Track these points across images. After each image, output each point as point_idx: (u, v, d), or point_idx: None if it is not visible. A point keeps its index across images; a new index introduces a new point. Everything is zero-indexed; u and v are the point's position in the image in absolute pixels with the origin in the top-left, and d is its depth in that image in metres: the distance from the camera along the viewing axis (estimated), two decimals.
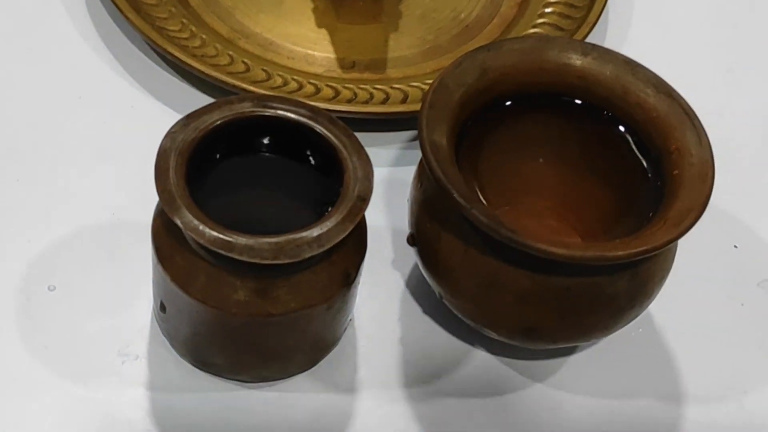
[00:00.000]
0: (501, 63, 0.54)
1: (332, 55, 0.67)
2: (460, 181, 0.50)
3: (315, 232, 0.48)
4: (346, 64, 0.67)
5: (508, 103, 0.55)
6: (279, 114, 0.51)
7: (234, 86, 0.62)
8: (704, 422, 0.56)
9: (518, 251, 0.49)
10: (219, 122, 0.51)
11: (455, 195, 0.49)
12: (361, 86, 0.65)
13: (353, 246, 0.51)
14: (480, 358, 0.57)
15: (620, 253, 0.48)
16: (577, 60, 0.55)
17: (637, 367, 0.57)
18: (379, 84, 0.65)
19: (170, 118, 0.62)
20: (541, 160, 0.57)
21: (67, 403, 0.53)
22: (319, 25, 0.68)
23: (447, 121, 0.52)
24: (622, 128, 0.55)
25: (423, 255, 0.54)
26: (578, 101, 0.56)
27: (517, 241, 0.48)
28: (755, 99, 0.70)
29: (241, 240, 0.47)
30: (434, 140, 0.51)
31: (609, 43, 0.70)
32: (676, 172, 0.52)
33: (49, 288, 0.56)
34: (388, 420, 0.54)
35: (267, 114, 0.51)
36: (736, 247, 0.62)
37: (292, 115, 0.51)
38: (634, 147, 0.55)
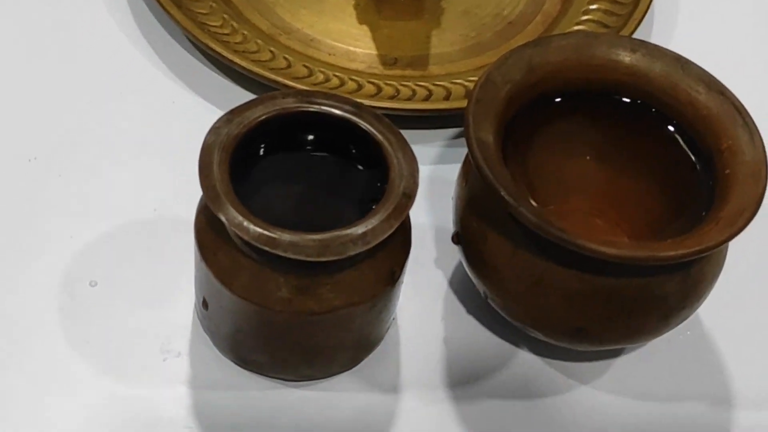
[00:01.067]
0: (548, 59, 0.53)
1: (374, 52, 0.67)
2: (507, 179, 0.49)
3: (360, 229, 0.47)
4: (387, 60, 0.66)
5: (557, 99, 0.54)
6: (323, 110, 0.51)
7: (275, 82, 0.62)
8: (754, 427, 0.55)
9: (567, 251, 0.48)
10: (263, 117, 0.50)
11: (503, 194, 0.48)
12: (404, 83, 0.64)
13: (398, 244, 0.51)
14: (524, 359, 0.56)
15: (672, 253, 0.47)
16: (625, 57, 0.54)
17: (684, 370, 0.56)
18: (421, 81, 0.64)
19: (211, 113, 0.62)
20: (587, 158, 0.56)
21: (108, 399, 0.52)
22: (361, 22, 0.68)
23: (494, 117, 0.51)
24: (671, 127, 0.54)
25: (468, 254, 0.53)
26: (626, 99, 0.55)
27: (568, 241, 0.47)
28: None
29: (286, 237, 0.47)
30: (481, 137, 0.50)
31: (655, 40, 0.69)
32: (727, 171, 0.51)
33: (90, 284, 0.56)
34: (431, 420, 0.54)
35: (311, 110, 0.51)
36: None
37: (337, 111, 0.51)
38: (684, 145, 0.53)
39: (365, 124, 0.50)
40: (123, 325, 0.55)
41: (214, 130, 0.50)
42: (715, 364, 0.57)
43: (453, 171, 0.56)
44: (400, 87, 0.64)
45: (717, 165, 0.51)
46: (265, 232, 0.47)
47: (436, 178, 0.62)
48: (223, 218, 0.47)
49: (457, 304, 0.57)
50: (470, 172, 0.52)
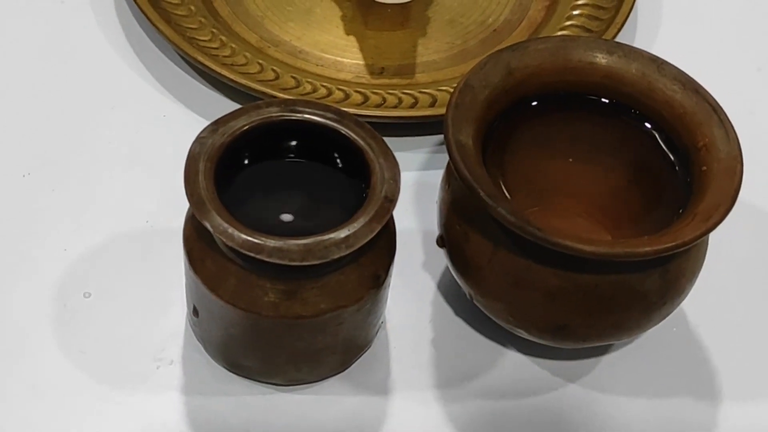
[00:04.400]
0: (526, 63, 0.54)
1: (361, 62, 0.68)
2: (486, 179, 0.50)
3: (343, 233, 0.48)
4: (374, 70, 0.67)
5: (534, 103, 0.55)
6: (306, 118, 0.52)
7: (264, 93, 0.63)
8: (740, 421, 0.56)
9: (546, 249, 0.49)
10: (247, 127, 0.51)
11: (481, 194, 0.49)
12: (390, 91, 0.65)
13: (382, 248, 0.52)
14: (512, 359, 0.57)
15: (648, 249, 0.48)
16: (602, 59, 0.55)
17: (671, 366, 0.57)
18: (407, 89, 0.65)
19: (201, 125, 0.62)
20: (569, 159, 0.57)
21: (103, 407, 0.53)
22: (348, 33, 0.69)
23: (473, 121, 0.52)
24: (649, 126, 0.55)
25: (452, 256, 0.54)
26: (605, 100, 0.56)
27: (544, 239, 0.48)
28: None
29: (270, 242, 0.48)
30: (460, 140, 0.51)
31: (638, 44, 0.70)
32: (704, 168, 0.51)
33: (84, 295, 0.57)
34: (421, 421, 0.54)
35: (294, 118, 0.52)
36: None
37: (319, 119, 0.52)
38: (662, 144, 0.54)
39: (347, 130, 0.51)
40: (117, 335, 0.56)
41: (199, 140, 0.51)
42: (701, 359, 0.57)
43: (439, 176, 0.56)
44: (386, 95, 0.65)
45: (694, 162, 0.52)
46: (250, 239, 0.48)
47: (423, 183, 0.63)
48: (208, 226, 0.48)
49: (445, 306, 0.58)
50: (452, 176, 0.53)
